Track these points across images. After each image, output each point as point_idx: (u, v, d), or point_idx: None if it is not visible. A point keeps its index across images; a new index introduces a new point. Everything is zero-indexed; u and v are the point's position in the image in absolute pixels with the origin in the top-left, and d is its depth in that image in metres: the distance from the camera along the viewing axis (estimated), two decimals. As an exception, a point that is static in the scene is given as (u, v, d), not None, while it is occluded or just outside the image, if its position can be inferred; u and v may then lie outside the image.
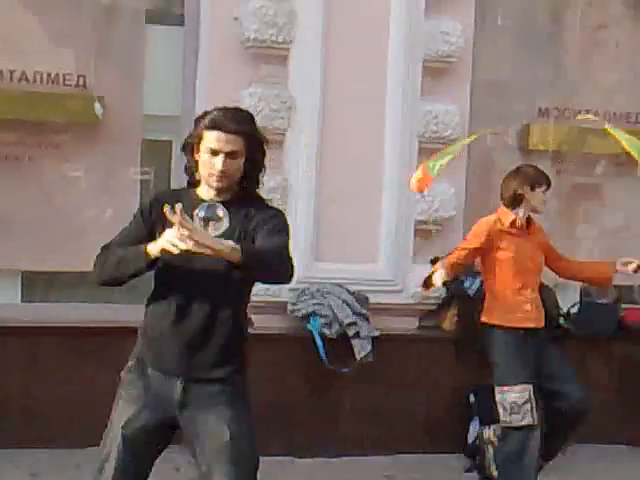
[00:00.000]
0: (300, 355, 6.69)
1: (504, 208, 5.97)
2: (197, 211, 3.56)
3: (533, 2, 7.58)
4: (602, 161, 7.68)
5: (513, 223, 5.91)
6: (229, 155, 3.86)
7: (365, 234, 6.94)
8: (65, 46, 6.73)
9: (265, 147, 4.05)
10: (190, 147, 3.94)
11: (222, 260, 3.61)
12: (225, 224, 3.60)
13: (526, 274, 6.01)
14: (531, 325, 5.96)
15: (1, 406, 6.29)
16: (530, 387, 5.78)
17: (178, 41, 6.90)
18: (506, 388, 5.80)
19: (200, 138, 3.89)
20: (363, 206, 6.92)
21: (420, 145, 6.98)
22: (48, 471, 6.15)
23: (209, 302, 3.88)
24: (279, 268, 3.82)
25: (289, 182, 6.80)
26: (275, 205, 6.43)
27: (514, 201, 5.92)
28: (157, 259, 3.72)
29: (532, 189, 5.88)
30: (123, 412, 3.94)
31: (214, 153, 3.86)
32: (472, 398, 6.91)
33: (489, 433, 6.50)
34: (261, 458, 6.36)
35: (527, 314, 5.97)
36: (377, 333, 6.74)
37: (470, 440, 6.86)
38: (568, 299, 7.44)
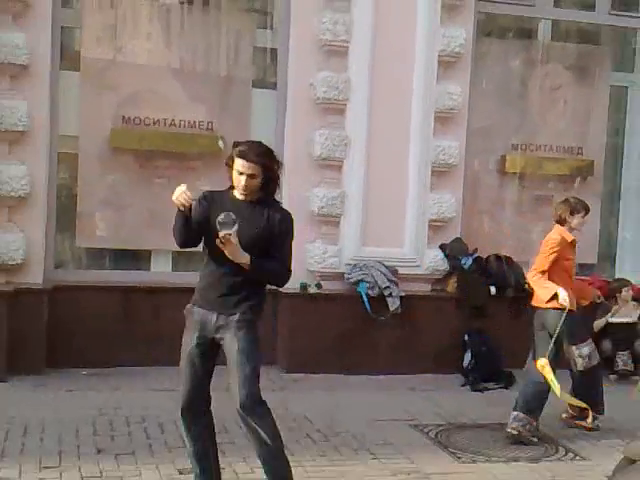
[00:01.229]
0: (353, 308, 6.69)
1: (560, 227, 5.58)
2: (219, 218, 3.71)
3: (508, 73, 7.54)
4: (553, 180, 7.65)
5: (572, 240, 5.57)
6: (249, 176, 3.88)
7: (396, 228, 6.88)
8: (199, 102, 6.82)
9: (278, 169, 3.99)
10: (228, 164, 3.95)
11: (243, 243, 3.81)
12: (236, 227, 3.72)
13: (573, 272, 5.78)
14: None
15: (157, 340, 6.27)
16: (591, 339, 5.66)
17: (272, 99, 6.93)
18: (580, 345, 5.56)
19: (233, 161, 3.91)
20: (395, 209, 6.87)
21: (432, 169, 6.95)
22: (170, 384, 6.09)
23: (234, 268, 3.87)
24: (274, 281, 4.11)
25: (346, 194, 6.81)
26: (334, 210, 6.70)
27: (560, 222, 5.59)
28: (188, 215, 3.84)
29: (572, 214, 5.56)
30: (186, 336, 4.00)
31: (240, 173, 3.88)
32: (466, 337, 6.90)
33: None
34: (326, 375, 6.51)
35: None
36: (403, 294, 6.79)
37: (464, 365, 6.84)
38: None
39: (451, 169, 7.06)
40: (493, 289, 7.07)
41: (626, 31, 7.91)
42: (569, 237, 5.56)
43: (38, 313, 6.20)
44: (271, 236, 3.95)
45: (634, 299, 7.34)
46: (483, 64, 7.39)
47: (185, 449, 4.21)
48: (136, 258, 6.85)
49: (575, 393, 5.71)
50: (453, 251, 7.04)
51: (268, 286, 6.58)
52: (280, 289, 6.56)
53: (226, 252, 3.80)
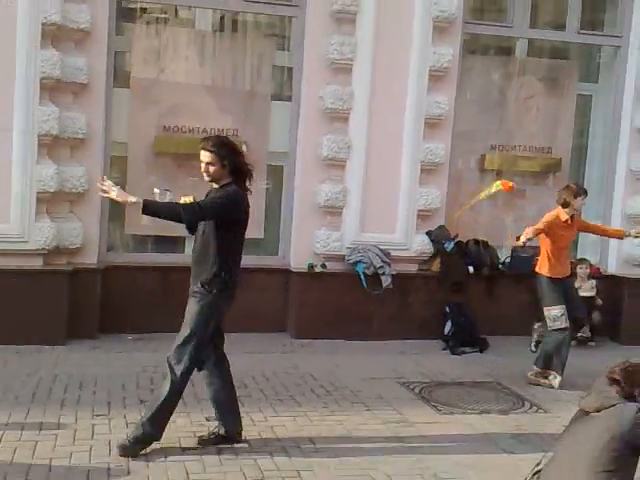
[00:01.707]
0: (352, 284, 6.73)
1: (560, 208, 5.69)
2: (155, 189, 3.88)
3: (489, 84, 7.49)
4: (525, 175, 7.60)
5: (566, 220, 5.69)
6: (207, 164, 3.94)
7: (389, 217, 6.91)
8: (226, 113, 6.79)
9: (238, 158, 3.94)
10: None
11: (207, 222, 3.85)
12: (169, 197, 3.83)
13: (568, 248, 5.85)
14: (566, 274, 5.86)
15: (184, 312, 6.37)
16: (564, 307, 5.67)
17: (288, 110, 6.93)
18: (551, 307, 5.68)
19: (199, 153, 3.98)
20: (389, 202, 6.88)
21: (422, 167, 6.93)
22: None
23: (200, 244, 3.98)
24: (171, 218, 3.87)
25: (347, 189, 6.82)
26: (337, 202, 6.71)
27: (564, 205, 5.66)
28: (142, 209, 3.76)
29: (574, 198, 5.63)
30: None
31: (201, 162, 3.97)
32: (447, 309, 6.97)
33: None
34: (329, 340, 6.56)
35: (564, 269, 5.83)
36: (394, 272, 6.80)
37: (445, 332, 6.88)
38: (504, 253, 7.40)
39: (438, 167, 7.05)
40: (471, 268, 7.10)
41: (592, 48, 7.80)
42: (564, 216, 5.66)
43: (93, 288, 6.31)
44: None
45: (593, 277, 7.43)
46: (468, 77, 7.35)
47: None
48: (173, 243, 6.89)
49: (544, 351, 5.83)
50: (437, 236, 7.05)
51: (280, 266, 6.92)
52: (291, 269, 6.85)
53: (113, 197, 3.81)
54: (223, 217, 3.95)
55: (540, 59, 7.73)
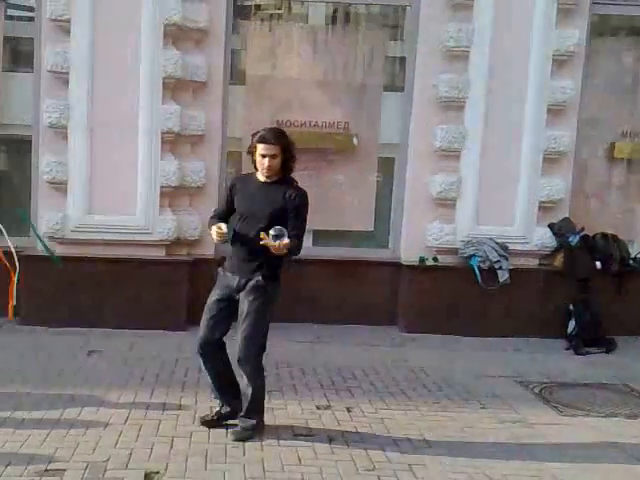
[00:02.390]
0: (465, 278, 6.51)
1: None
2: (271, 231, 3.77)
3: (619, 68, 6.99)
4: None
5: None
6: (271, 157, 3.86)
7: (507, 209, 6.61)
8: (337, 106, 6.76)
9: (293, 148, 3.93)
10: (251, 152, 3.96)
11: (258, 220, 3.88)
12: (286, 239, 3.76)
13: None
14: None
15: (299, 300, 6.31)
16: None
17: (399, 100, 6.76)
18: None
19: (255, 148, 3.89)
20: (507, 193, 6.59)
21: (544, 156, 6.60)
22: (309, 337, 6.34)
23: (252, 241, 3.90)
24: (293, 254, 3.94)
25: (462, 180, 6.59)
26: (451, 194, 6.56)
27: None
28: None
29: None
30: (211, 293, 4.15)
31: (263, 156, 3.86)
32: (571, 307, 6.57)
33: None
34: (440, 335, 6.42)
35: None
36: (512, 267, 6.51)
37: (568, 331, 6.52)
38: (635, 248, 6.95)
39: (562, 156, 6.64)
40: (599, 264, 6.64)
41: None
42: None
43: (210, 277, 6.25)
44: (287, 211, 3.95)
45: None
46: (596, 61, 6.84)
47: (321, 388, 4.84)
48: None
49: None
50: (561, 229, 6.65)
51: (390, 259, 6.82)
52: (401, 262, 6.73)
53: (274, 251, 3.84)
54: None
55: (679, 38, 7.08)
